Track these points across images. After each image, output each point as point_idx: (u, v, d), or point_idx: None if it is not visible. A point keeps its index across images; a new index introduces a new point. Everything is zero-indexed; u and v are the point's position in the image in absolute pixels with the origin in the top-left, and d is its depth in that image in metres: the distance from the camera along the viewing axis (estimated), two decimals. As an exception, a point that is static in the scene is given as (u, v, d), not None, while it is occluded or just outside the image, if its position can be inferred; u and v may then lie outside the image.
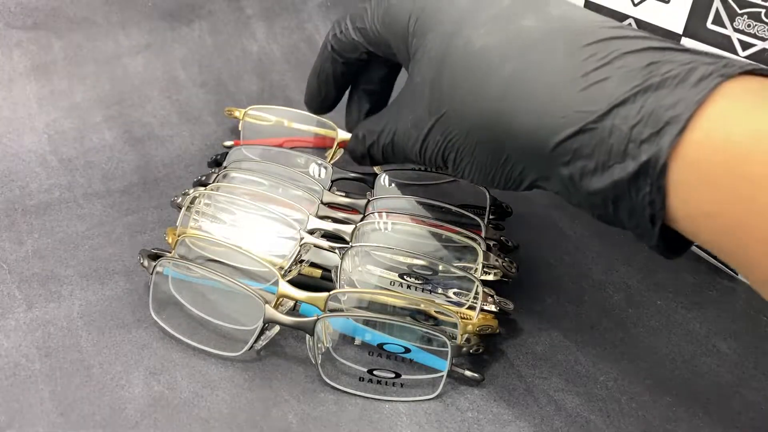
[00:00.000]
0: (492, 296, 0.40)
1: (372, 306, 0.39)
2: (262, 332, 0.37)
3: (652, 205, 0.26)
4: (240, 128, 0.55)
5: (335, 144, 0.51)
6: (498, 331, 0.39)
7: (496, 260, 0.41)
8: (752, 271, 0.25)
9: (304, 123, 0.55)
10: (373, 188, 0.46)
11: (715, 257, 0.46)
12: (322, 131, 0.54)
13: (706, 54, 0.26)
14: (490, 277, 0.41)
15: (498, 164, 0.31)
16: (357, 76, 0.41)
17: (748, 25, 0.40)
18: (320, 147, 0.55)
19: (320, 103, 0.42)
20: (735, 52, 0.41)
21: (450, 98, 0.32)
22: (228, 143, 0.55)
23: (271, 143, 0.53)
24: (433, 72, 0.32)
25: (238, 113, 0.55)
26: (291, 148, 0.52)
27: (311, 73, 0.41)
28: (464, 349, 0.37)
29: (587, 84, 0.27)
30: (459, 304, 0.39)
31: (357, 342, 0.39)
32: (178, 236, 0.41)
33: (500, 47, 0.30)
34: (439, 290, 0.40)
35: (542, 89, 0.28)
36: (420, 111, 0.33)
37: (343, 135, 0.50)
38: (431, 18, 0.33)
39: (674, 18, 0.44)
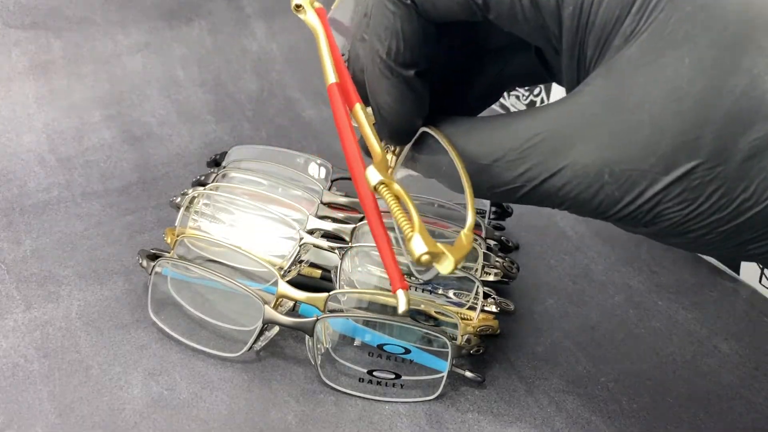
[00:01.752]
0: (492, 296, 0.39)
1: (372, 306, 0.39)
2: (261, 333, 0.36)
3: None
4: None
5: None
6: (498, 331, 0.39)
7: (497, 260, 0.41)
8: None
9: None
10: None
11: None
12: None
13: None
14: (491, 278, 0.41)
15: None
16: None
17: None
18: None
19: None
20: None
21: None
22: None
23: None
24: (710, 74, 0.20)
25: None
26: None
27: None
28: (464, 349, 0.37)
29: None
30: (459, 305, 0.39)
31: (357, 343, 0.38)
32: (177, 236, 0.41)
33: None
34: (440, 290, 0.40)
35: None
36: (646, 142, 0.21)
37: None
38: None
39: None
